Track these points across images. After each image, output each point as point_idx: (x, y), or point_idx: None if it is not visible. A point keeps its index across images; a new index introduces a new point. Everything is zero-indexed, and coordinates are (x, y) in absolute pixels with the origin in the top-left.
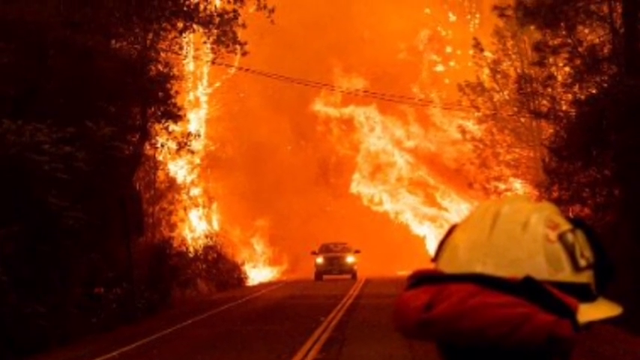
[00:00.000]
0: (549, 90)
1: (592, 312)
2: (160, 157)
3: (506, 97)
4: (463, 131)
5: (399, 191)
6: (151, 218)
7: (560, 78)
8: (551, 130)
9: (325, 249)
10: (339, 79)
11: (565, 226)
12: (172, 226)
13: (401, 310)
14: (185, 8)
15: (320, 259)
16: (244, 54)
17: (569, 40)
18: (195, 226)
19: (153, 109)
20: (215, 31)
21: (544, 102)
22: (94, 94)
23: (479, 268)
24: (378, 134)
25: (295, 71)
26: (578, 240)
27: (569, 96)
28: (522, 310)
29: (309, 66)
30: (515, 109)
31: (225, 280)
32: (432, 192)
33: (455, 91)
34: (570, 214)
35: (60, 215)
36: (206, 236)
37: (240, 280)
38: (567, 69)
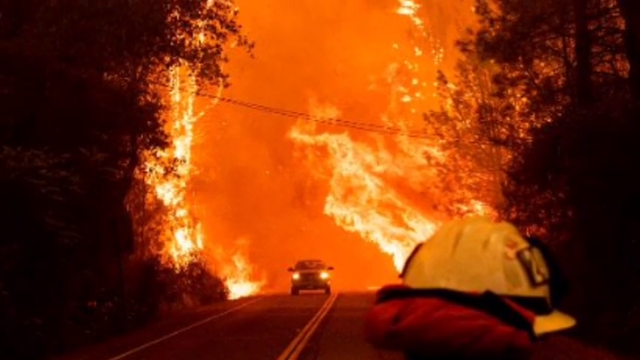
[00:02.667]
0: (508, 119)
1: (547, 324)
2: (149, 181)
3: (468, 126)
4: (428, 157)
5: (369, 212)
6: (140, 237)
7: (517, 108)
8: (509, 156)
9: (301, 266)
10: (313, 109)
11: (522, 244)
12: (160, 245)
13: (371, 323)
14: (172, 43)
15: (296, 275)
16: (226, 86)
17: (527, 73)
18: (181, 245)
19: (142, 136)
20: (199, 64)
21: (503, 130)
22: (87, 123)
23: (443, 284)
24: (349, 160)
25: (273, 102)
26: (535, 257)
27: (527, 124)
28: (483, 322)
29: (286, 97)
30: (477, 136)
31: (208, 294)
32: (399, 213)
33: (421, 120)
34: (527, 233)
35: (56, 234)
36: (191, 254)
37: (222, 294)
38: (524, 99)
